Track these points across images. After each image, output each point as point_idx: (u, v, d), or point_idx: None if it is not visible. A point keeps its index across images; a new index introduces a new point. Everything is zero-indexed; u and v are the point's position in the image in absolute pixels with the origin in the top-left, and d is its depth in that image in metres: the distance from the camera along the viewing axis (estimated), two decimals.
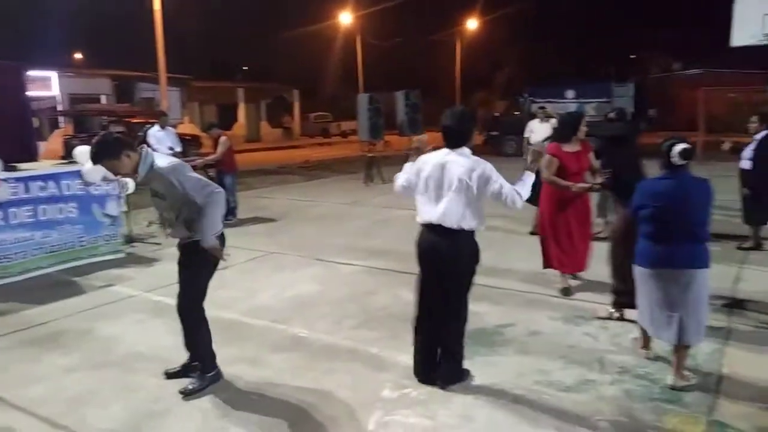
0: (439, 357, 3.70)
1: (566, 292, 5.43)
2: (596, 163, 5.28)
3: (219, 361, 4.05)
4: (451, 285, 3.57)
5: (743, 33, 13.76)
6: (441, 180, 3.48)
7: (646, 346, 4.07)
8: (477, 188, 3.44)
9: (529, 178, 3.62)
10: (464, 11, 37.31)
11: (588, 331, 4.56)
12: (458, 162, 3.47)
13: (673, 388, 3.61)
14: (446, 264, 3.52)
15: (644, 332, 3.99)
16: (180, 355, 4.19)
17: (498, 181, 3.47)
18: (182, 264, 3.78)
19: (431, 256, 3.57)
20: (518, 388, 3.66)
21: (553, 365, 3.99)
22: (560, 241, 5.39)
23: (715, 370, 3.86)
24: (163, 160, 3.56)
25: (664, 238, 3.58)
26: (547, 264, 5.55)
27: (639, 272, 3.74)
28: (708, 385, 3.68)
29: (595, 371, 3.90)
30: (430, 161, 3.56)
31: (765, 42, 13.47)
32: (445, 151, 3.55)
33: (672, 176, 3.60)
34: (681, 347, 3.64)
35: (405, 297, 5.32)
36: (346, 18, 32.35)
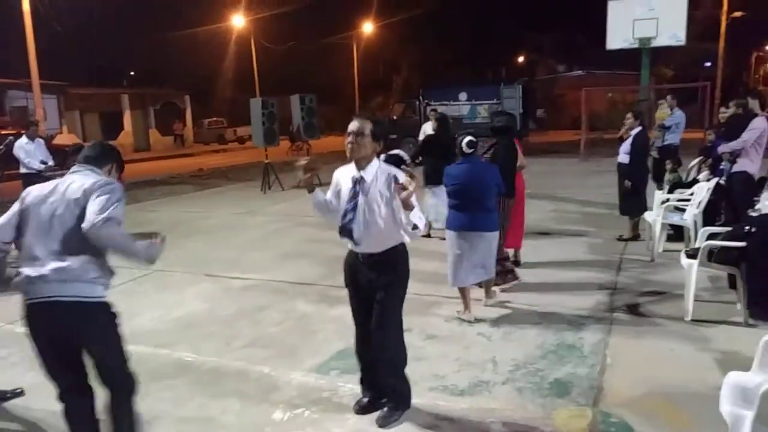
0: None
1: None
2: None
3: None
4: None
5: (616, 37, 14.81)
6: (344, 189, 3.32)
7: (468, 307, 4.84)
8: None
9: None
10: (360, 15, 37.50)
11: (482, 331, 4.59)
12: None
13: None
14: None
15: (464, 297, 4.83)
16: (37, 393, 3.77)
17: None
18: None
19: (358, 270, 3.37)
20: (413, 396, 3.57)
21: (447, 369, 3.96)
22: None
23: (599, 361, 3.99)
24: None
25: (463, 208, 4.69)
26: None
27: (448, 234, 4.84)
28: (593, 375, 3.79)
29: (488, 371, 3.91)
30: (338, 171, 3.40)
31: (635, 46, 14.58)
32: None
33: (464, 162, 4.76)
34: (484, 285, 5.04)
35: (300, 309, 5.15)
36: (239, 21, 31.46)
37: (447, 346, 4.32)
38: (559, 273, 6.03)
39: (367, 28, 38.08)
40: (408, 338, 4.39)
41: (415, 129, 15.40)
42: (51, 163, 9.33)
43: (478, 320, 4.79)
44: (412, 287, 5.49)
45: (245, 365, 4.12)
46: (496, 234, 4.83)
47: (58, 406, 2.93)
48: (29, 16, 16.60)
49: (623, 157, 7.19)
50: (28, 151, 8.98)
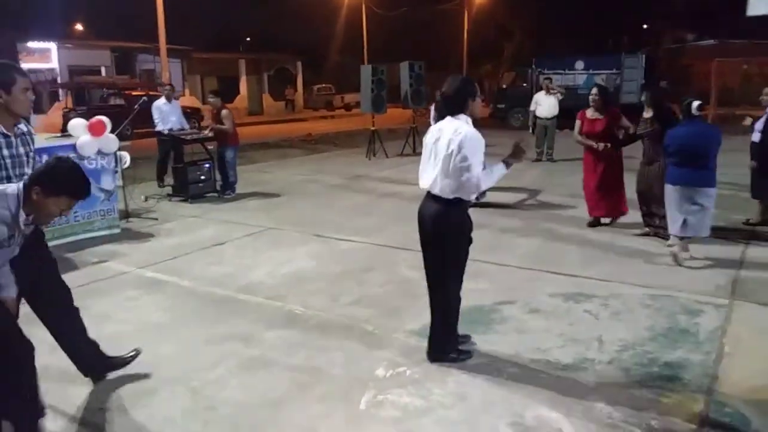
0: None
1: (592, 224, 6.77)
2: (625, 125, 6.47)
3: (212, 339, 4.01)
4: (435, 255, 3.51)
5: (761, 2, 13.37)
6: (435, 146, 3.42)
7: (685, 248, 5.41)
8: (451, 156, 3.28)
9: (499, 170, 3.42)
10: None
11: (588, 309, 4.46)
12: (449, 128, 3.36)
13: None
14: (430, 232, 3.49)
15: (680, 240, 5.35)
16: (168, 333, 4.14)
17: (468, 157, 3.24)
18: None
19: (420, 223, 3.55)
20: (515, 367, 3.58)
21: (551, 343, 3.90)
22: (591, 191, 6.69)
23: (716, 349, 3.77)
24: None
25: (687, 165, 5.20)
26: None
27: (667, 188, 5.37)
28: (708, 363, 3.59)
29: (593, 350, 3.81)
30: (430, 129, 3.54)
31: None
32: (447, 119, 3.44)
33: (690, 123, 5.31)
34: (690, 238, 5.40)
35: (403, 274, 5.25)
36: None
37: (551, 322, 4.25)
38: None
39: None
40: (511, 311, 4.43)
41: (526, 99, 14.95)
42: (186, 126, 9.93)
43: (585, 297, 4.66)
44: (515, 261, 5.51)
45: (350, 322, 4.29)
46: (715, 190, 5.31)
47: None
48: None
49: (756, 136, 6.60)
50: (163, 112, 9.52)
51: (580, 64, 19.50)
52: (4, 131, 2.82)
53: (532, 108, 12.53)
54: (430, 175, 3.43)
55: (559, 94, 12.44)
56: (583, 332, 4.06)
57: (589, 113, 6.55)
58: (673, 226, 5.38)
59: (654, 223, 6.20)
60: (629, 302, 4.56)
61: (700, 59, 27.75)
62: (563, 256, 5.79)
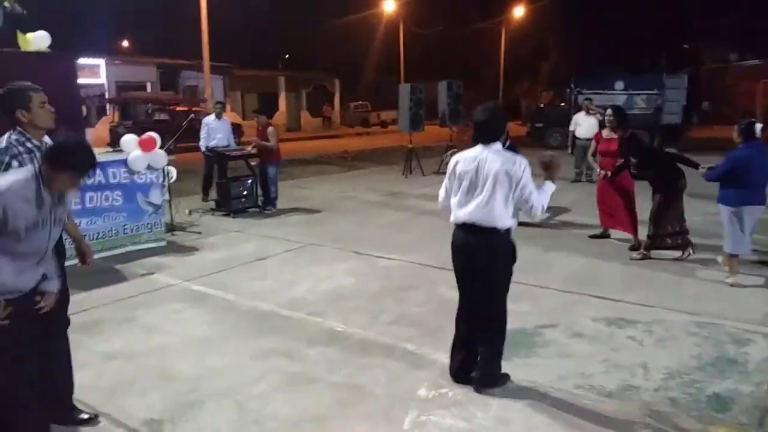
0: (472, 358, 3.63)
1: (601, 235, 7.15)
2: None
3: (257, 353, 4.09)
4: (487, 286, 3.49)
5: None
6: (476, 177, 3.38)
7: (733, 268, 5.50)
8: (511, 186, 3.34)
9: (550, 188, 3.51)
10: None
11: (632, 335, 4.40)
12: (494, 158, 3.37)
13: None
14: (485, 265, 3.44)
15: (731, 258, 5.50)
16: (214, 346, 4.24)
17: (528, 185, 3.36)
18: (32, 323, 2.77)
19: (467, 256, 3.49)
20: (558, 392, 3.56)
21: (594, 369, 3.86)
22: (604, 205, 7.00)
23: (767, 380, 3.67)
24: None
25: (756, 185, 5.38)
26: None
27: (748, 209, 5.40)
28: (758, 394, 3.50)
29: (638, 377, 3.76)
30: (463, 158, 3.48)
31: None
32: (478, 147, 3.45)
33: (752, 145, 5.38)
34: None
35: (443, 294, 5.26)
36: (389, 5, 32.14)
37: (594, 346, 4.21)
38: (721, 282, 5.57)
39: (517, 12, 37.10)
40: (553, 335, 4.41)
41: (564, 118, 14.85)
42: (233, 144, 10.14)
43: (628, 322, 4.60)
44: (557, 284, 5.47)
45: (391, 340, 4.32)
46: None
47: None
48: (204, 2, 18.23)
49: None
50: (211, 129, 9.75)
51: (619, 84, 19.25)
52: (36, 143, 3.02)
53: (571, 128, 12.44)
54: (478, 206, 3.36)
55: (598, 115, 12.33)
56: (627, 358, 4.01)
57: (605, 133, 6.87)
58: (743, 247, 5.52)
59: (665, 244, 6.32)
60: (673, 329, 4.49)
61: (744, 79, 27.17)
62: (605, 279, 5.73)
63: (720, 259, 5.86)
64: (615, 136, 6.70)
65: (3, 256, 2.57)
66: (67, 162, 2.57)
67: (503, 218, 3.37)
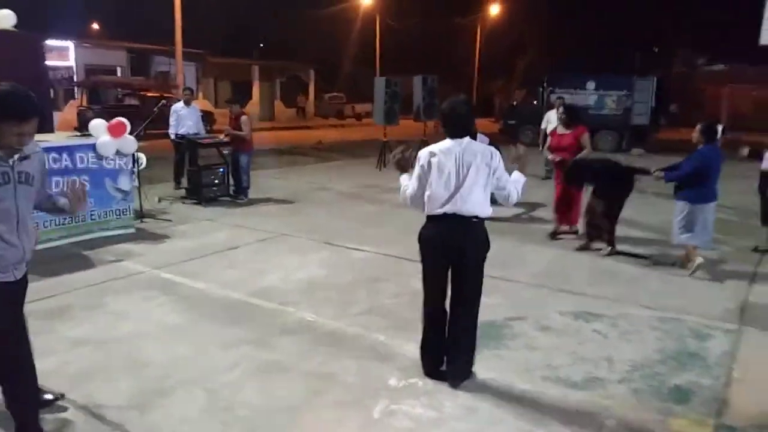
0: (449, 352, 3.64)
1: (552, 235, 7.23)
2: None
3: (228, 342, 4.08)
4: (469, 276, 3.49)
5: None
6: (457, 169, 3.39)
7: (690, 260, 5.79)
8: (489, 175, 3.42)
9: (520, 177, 3.64)
10: None
11: (597, 328, 4.51)
12: (471, 150, 3.42)
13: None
14: (463, 256, 3.45)
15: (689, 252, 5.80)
16: (184, 334, 4.21)
17: (504, 174, 3.50)
18: (23, 303, 2.86)
19: (446, 248, 3.46)
20: (525, 383, 3.63)
21: (561, 361, 3.95)
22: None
23: (725, 373, 3.81)
24: None
25: (713, 184, 5.69)
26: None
27: (708, 207, 5.72)
28: (717, 387, 3.63)
29: (603, 369, 3.86)
30: (439, 151, 3.44)
31: None
32: (452, 141, 3.44)
33: (715, 146, 5.71)
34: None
35: (414, 286, 5.24)
36: None
37: (561, 339, 4.30)
38: (684, 279, 5.74)
39: (494, 8, 37.33)
40: (522, 327, 4.49)
41: (537, 116, 15.03)
42: (203, 131, 9.98)
43: (594, 316, 4.71)
44: (528, 278, 5.56)
45: (362, 331, 4.35)
46: None
47: None
48: None
49: (766, 163, 6.67)
50: (180, 116, 9.62)
51: (591, 84, 19.60)
52: None
53: (543, 126, 12.58)
54: (462, 196, 3.37)
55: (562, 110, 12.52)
56: (593, 351, 4.11)
57: (559, 129, 7.24)
58: (708, 240, 5.87)
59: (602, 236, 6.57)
60: (638, 323, 4.61)
61: (711, 84, 27.85)
62: (573, 273, 5.85)
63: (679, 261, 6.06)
64: (567, 131, 7.02)
65: None
66: (3, 107, 2.46)
67: (484, 207, 3.43)
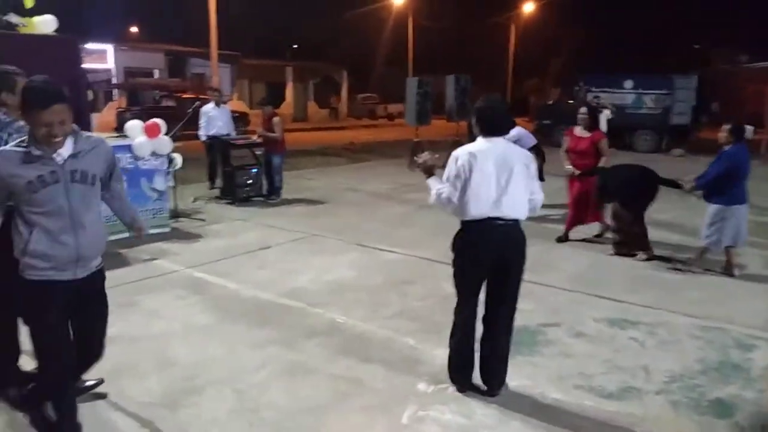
0: (488, 361, 3.50)
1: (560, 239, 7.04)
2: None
3: (256, 342, 4.08)
4: (511, 283, 3.38)
5: None
6: (502, 169, 3.24)
7: (732, 264, 5.76)
8: (529, 179, 3.33)
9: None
10: None
11: (634, 336, 4.37)
12: (515, 150, 3.34)
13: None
14: (507, 261, 3.33)
15: (730, 255, 5.77)
16: (214, 334, 4.23)
17: (536, 178, 3.40)
18: (95, 300, 2.88)
19: (491, 254, 3.30)
20: (558, 392, 3.54)
21: (595, 369, 3.83)
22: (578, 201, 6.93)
23: None
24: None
25: (742, 184, 5.61)
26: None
27: (741, 209, 5.65)
28: (761, 401, 3.47)
29: (639, 379, 3.73)
30: (479, 151, 3.25)
31: None
32: (488, 141, 3.30)
33: (742, 147, 5.60)
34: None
35: (445, 289, 5.20)
36: None
37: (596, 347, 4.18)
38: (726, 285, 5.54)
39: (528, 7, 36.86)
40: (556, 334, 4.37)
41: (572, 116, 14.75)
42: (233, 132, 10.06)
43: (630, 324, 4.57)
44: (562, 283, 5.43)
45: (392, 334, 4.30)
46: None
47: None
48: None
49: None
50: (210, 117, 9.69)
51: (629, 83, 19.14)
52: (22, 123, 3.07)
53: None
54: (501, 200, 3.24)
55: (609, 112, 12.26)
56: (629, 360, 3.98)
57: (578, 131, 6.87)
58: (744, 241, 5.79)
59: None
60: (677, 332, 4.45)
61: (754, 81, 26.91)
62: (610, 279, 5.69)
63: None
64: (587, 135, 6.74)
65: (34, 227, 2.56)
66: (25, 100, 2.51)
67: (525, 211, 3.35)
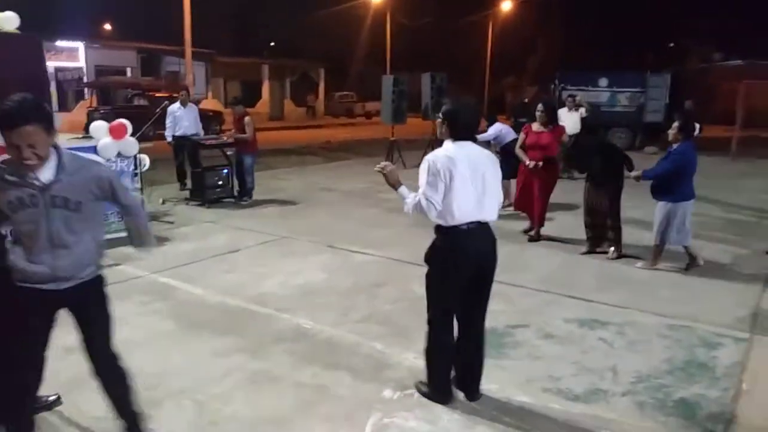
0: (470, 369, 3.46)
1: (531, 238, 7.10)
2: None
3: (220, 350, 3.99)
4: (488, 286, 3.36)
5: None
6: (476, 173, 3.20)
7: (694, 255, 5.90)
8: (499, 180, 3.34)
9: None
10: None
11: (603, 336, 4.37)
12: (482, 152, 3.30)
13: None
14: (492, 262, 3.32)
15: (658, 250, 5.94)
16: (178, 342, 4.13)
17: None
18: (87, 308, 2.77)
19: (480, 259, 3.25)
20: (525, 395, 3.51)
21: (564, 371, 3.81)
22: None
23: (734, 385, 3.65)
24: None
25: (690, 182, 5.73)
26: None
27: (686, 205, 5.74)
28: (725, 400, 3.48)
29: (607, 380, 3.72)
30: (456, 156, 3.15)
31: None
32: (459, 144, 3.22)
33: (690, 143, 5.70)
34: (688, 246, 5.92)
35: (416, 291, 5.17)
36: None
37: (565, 348, 4.16)
38: (695, 283, 5.58)
39: (506, 5, 37.01)
40: (525, 335, 4.35)
41: None
42: (200, 132, 9.90)
43: (600, 324, 4.57)
44: (533, 284, 5.41)
45: (359, 339, 4.24)
46: None
47: None
48: None
49: None
50: (176, 117, 9.56)
51: (603, 81, 19.30)
52: None
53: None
54: (489, 203, 3.23)
55: (583, 110, 12.32)
56: (597, 361, 3.97)
57: (535, 127, 6.99)
58: (689, 238, 5.88)
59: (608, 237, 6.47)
60: (646, 331, 4.46)
61: (727, 80, 27.33)
62: (578, 279, 5.69)
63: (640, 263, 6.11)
64: (545, 130, 6.87)
65: (17, 243, 2.54)
66: None
67: (497, 212, 3.34)
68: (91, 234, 2.64)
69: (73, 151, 2.66)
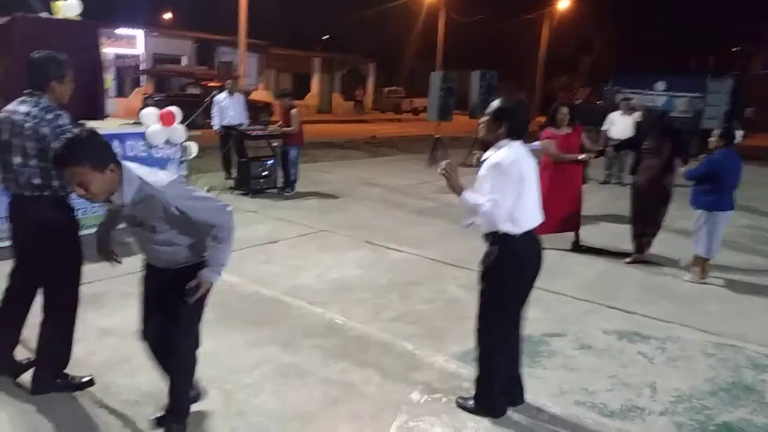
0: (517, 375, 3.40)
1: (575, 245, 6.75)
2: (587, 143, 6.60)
3: (252, 341, 4.02)
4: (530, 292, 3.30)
5: None
6: (534, 176, 3.13)
7: (704, 271, 5.67)
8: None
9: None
10: None
11: (643, 351, 4.19)
12: (529, 155, 3.20)
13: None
14: (541, 268, 3.24)
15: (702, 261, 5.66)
16: (211, 330, 4.16)
17: None
18: (169, 294, 2.83)
19: (538, 263, 3.20)
20: (557, 407, 3.40)
21: (599, 385, 3.68)
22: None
23: None
24: (152, 175, 2.60)
25: (730, 190, 5.50)
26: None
27: (725, 215, 5.58)
28: None
29: (645, 397, 3.57)
30: (517, 157, 3.02)
31: None
32: (514, 144, 3.07)
33: (729, 151, 5.47)
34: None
35: (451, 292, 5.11)
36: None
37: (602, 361, 4.02)
38: (745, 300, 5.31)
39: (561, 4, 36.16)
40: (561, 345, 4.21)
41: (600, 117, 14.41)
42: (245, 122, 9.99)
43: (641, 337, 4.39)
44: (572, 291, 5.25)
45: (391, 338, 4.20)
46: None
47: None
48: None
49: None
50: (222, 107, 9.66)
51: (661, 85, 18.63)
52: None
53: (604, 127, 12.04)
54: (538, 210, 3.16)
55: (638, 114, 11.92)
56: (636, 376, 3.81)
57: (566, 130, 6.52)
58: (716, 251, 5.70)
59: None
60: (688, 348, 4.27)
61: None
62: (623, 288, 5.50)
63: (684, 262, 6.08)
64: (571, 131, 6.52)
65: None
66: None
67: None
68: (182, 240, 2.71)
69: (141, 177, 2.56)
